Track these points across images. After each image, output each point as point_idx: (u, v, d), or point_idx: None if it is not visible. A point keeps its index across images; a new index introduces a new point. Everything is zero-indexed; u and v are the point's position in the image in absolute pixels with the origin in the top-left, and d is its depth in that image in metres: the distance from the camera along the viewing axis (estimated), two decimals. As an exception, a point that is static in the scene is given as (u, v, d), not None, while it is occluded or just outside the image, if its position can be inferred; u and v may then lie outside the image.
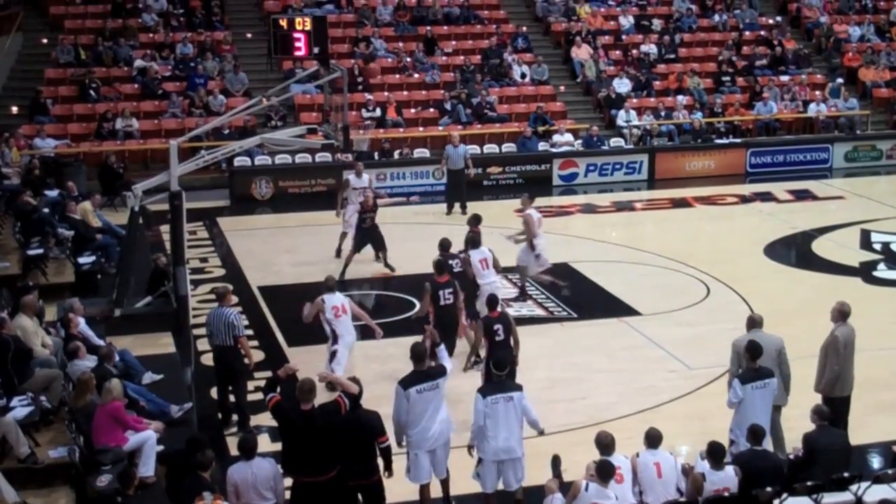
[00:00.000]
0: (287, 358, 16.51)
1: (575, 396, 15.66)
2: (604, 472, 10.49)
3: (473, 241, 17.55)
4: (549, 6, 36.64)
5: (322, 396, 11.72)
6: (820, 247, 23.57)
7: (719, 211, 27.25)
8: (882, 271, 22.02)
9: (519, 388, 12.06)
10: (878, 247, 23.56)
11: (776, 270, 22.12)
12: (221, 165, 26.91)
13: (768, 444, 12.14)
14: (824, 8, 38.54)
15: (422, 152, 30.08)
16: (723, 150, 31.40)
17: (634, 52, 35.02)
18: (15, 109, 30.17)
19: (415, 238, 23.04)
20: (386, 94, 31.77)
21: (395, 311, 19.09)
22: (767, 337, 13.01)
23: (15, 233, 20.55)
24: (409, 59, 33.30)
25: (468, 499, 12.41)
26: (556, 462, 12.27)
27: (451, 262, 16.71)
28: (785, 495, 10.91)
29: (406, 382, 11.86)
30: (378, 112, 30.94)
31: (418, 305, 17.13)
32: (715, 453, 11.02)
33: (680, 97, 33.01)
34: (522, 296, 19.66)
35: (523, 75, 33.53)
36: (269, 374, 15.85)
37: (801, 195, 28.75)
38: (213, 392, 15.05)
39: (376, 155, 28.90)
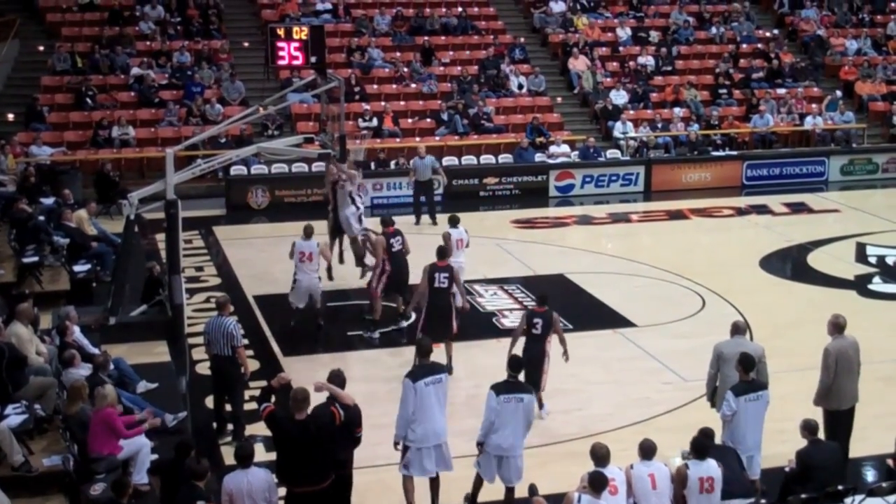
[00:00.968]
0: (282, 367, 16.50)
1: (570, 407, 15.65)
2: (597, 483, 10.48)
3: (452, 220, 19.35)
4: (547, 17, 36.70)
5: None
6: (815, 260, 23.59)
7: (715, 223, 27.27)
8: (877, 284, 22.03)
9: (530, 390, 12.40)
10: (873, 260, 23.58)
11: (772, 283, 22.14)
12: (218, 174, 26.86)
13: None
14: (821, 21, 38.62)
15: (418, 162, 30.06)
16: (719, 162, 31.44)
17: (631, 63, 35.06)
18: (11, 117, 30.12)
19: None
20: (383, 103, 31.78)
21: (386, 322, 19.12)
22: (749, 344, 13.18)
23: (10, 240, 20.49)
24: (406, 69, 33.33)
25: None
26: (532, 491, 12.41)
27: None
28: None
29: (414, 375, 12.10)
30: (375, 122, 30.95)
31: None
32: (697, 446, 11.16)
33: (677, 109, 33.06)
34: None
35: (520, 86, 33.57)
36: (263, 383, 15.93)
37: (797, 208, 28.79)
38: (209, 401, 15.03)
39: (372, 165, 28.90)
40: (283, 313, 19.07)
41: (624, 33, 36.45)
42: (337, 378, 11.77)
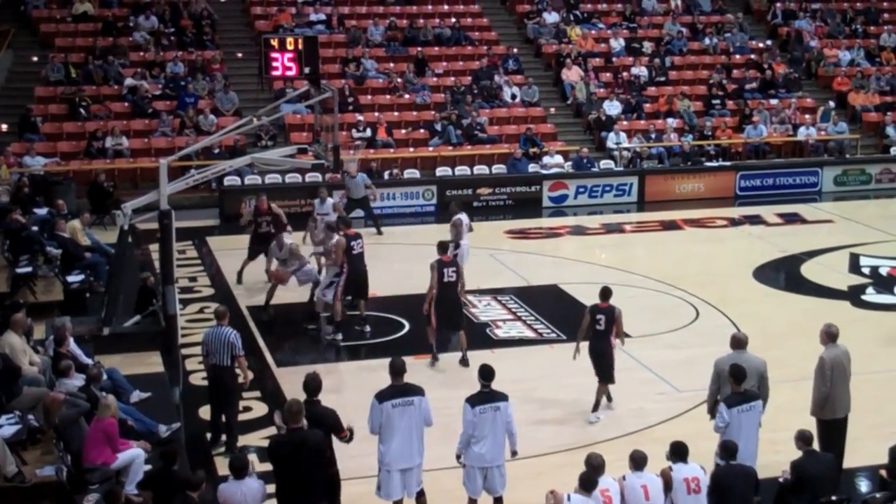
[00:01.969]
0: (275, 377, 16.47)
1: (563, 418, 15.64)
2: (587, 482, 10.51)
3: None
4: (540, 28, 36.77)
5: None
6: (809, 270, 23.60)
7: (709, 234, 27.29)
8: (871, 295, 22.04)
9: (505, 397, 12.19)
10: (866, 270, 23.59)
11: (765, 293, 22.14)
12: (211, 185, 26.86)
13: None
14: (815, 32, 38.72)
15: (412, 173, 30.12)
16: (712, 172, 31.49)
17: (625, 74, 35.13)
18: (4, 127, 30.11)
19: (402, 259, 23.10)
20: (376, 114, 31.81)
21: (384, 332, 19.14)
22: (751, 358, 13.05)
23: (4, 251, 20.49)
24: (399, 80, 33.36)
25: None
26: None
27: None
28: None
29: (381, 396, 11.89)
30: (368, 132, 30.96)
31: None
32: (677, 450, 11.21)
33: (670, 120, 33.13)
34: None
35: (514, 97, 33.62)
36: (257, 394, 15.95)
37: (791, 218, 28.83)
38: (202, 411, 15.00)
39: (365, 175, 28.85)
40: (278, 323, 19.04)
41: (617, 44, 36.51)
42: (312, 382, 11.76)
